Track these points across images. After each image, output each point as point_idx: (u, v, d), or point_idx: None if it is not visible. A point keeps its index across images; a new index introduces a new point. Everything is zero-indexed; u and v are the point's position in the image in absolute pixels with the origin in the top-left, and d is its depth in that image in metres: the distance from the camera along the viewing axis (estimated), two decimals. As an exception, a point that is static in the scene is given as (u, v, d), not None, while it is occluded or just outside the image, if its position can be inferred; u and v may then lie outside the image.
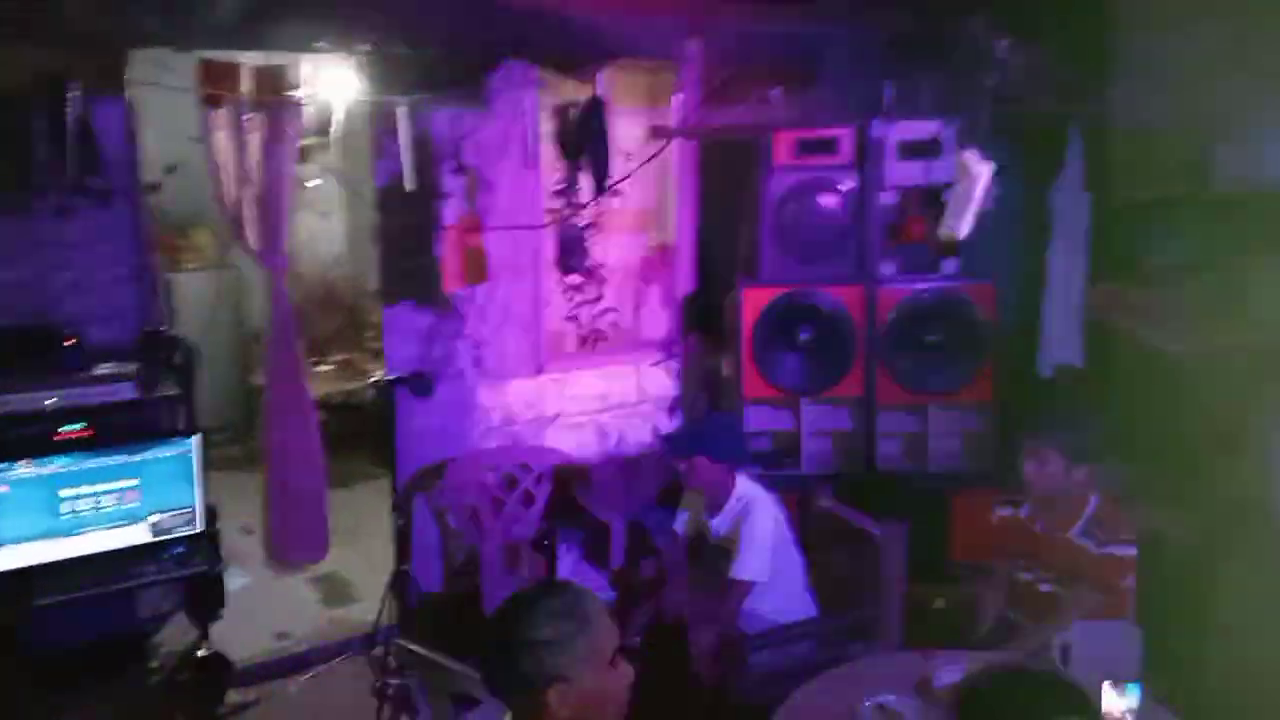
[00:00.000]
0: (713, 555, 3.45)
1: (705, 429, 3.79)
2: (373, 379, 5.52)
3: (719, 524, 3.41)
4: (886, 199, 4.13)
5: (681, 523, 3.59)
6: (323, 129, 4.68)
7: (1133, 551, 2.82)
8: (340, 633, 4.08)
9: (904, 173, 4.10)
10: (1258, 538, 3.25)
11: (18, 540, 3.08)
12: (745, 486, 3.41)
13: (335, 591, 4.46)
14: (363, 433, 5.90)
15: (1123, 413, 3.75)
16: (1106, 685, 2.27)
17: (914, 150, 4.06)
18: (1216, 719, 2.78)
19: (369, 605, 4.10)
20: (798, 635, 3.31)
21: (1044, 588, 2.95)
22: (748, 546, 3.27)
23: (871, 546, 3.36)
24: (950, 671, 2.52)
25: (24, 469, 3.08)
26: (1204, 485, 3.54)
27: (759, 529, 3.28)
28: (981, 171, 2.49)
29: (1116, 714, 2.27)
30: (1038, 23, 3.90)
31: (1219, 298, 3.70)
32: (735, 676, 3.17)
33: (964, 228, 2.51)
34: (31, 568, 3.10)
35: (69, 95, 2.93)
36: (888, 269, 4.15)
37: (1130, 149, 4.01)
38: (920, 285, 4.11)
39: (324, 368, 5.75)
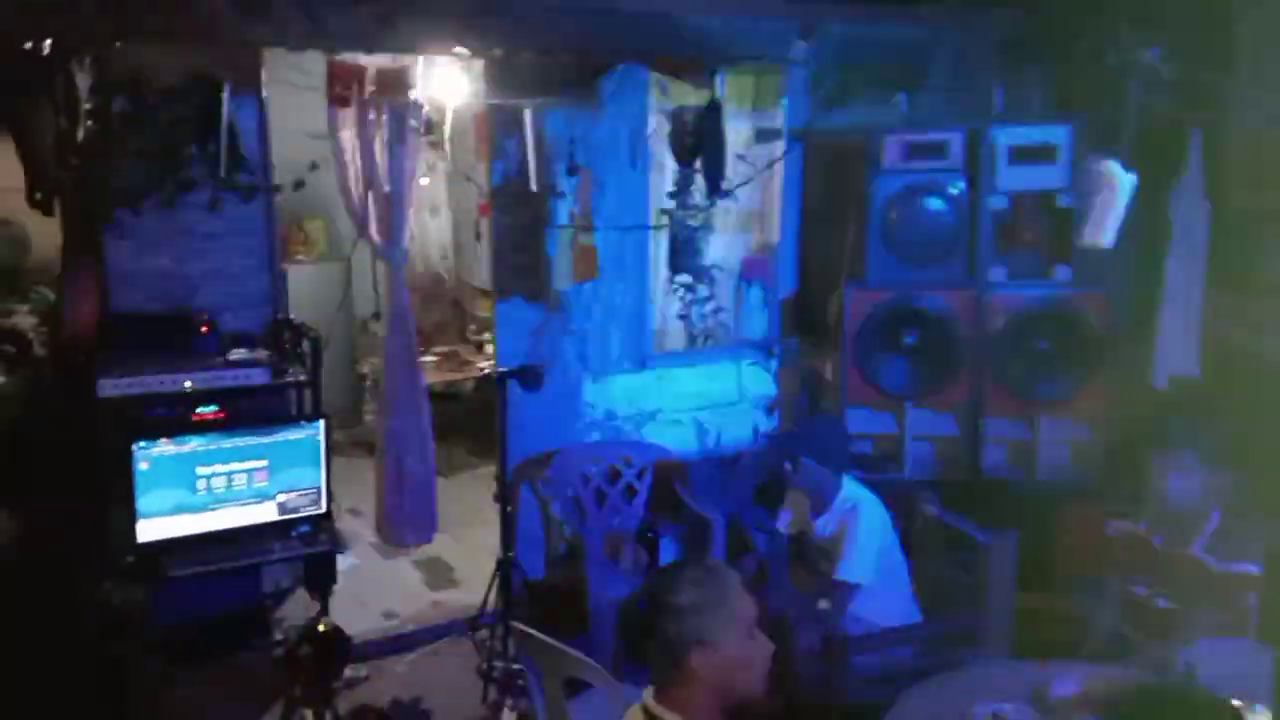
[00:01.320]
0: (815, 555, 3.47)
1: (810, 429, 3.80)
2: (483, 370, 5.71)
3: (824, 525, 3.43)
4: (997, 204, 4.09)
5: (784, 522, 3.61)
6: (434, 128, 4.85)
7: (1256, 568, 2.75)
8: (444, 615, 4.21)
9: (1016, 177, 4.05)
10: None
11: (158, 514, 3.26)
12: (852, 488, 3.42)
13: (438, 575, 4.60)
14: (463, 422, 6.07)
15: (1242, 425, 3.64)
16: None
17: (1027, 155, 4.01)
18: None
19: (470, 589, 4.23)
20: (901, 640, 3.30)
21: (1161, 604, 2.90)
22: (853, 548, 3.28)
23: (978, 554, 3.33)
24: (1065, 683, 2.49)
25: (164, 447, 3.27)
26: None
27: (866, 532, 3.29)
28: (1125, 181, 2.46)
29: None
30: (1161, 25, 3.82)
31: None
32: (837, 678, 3.18)
33: (1108, 237, 2.48)
34: (168, 540, 3.28)
35: (222, 95, 3.07)
36: (998, 275, 4.10)
37: (1252, 155, 3.89)
38: (1032, 292, 4.05)
39: (428, 358, 5.91)
